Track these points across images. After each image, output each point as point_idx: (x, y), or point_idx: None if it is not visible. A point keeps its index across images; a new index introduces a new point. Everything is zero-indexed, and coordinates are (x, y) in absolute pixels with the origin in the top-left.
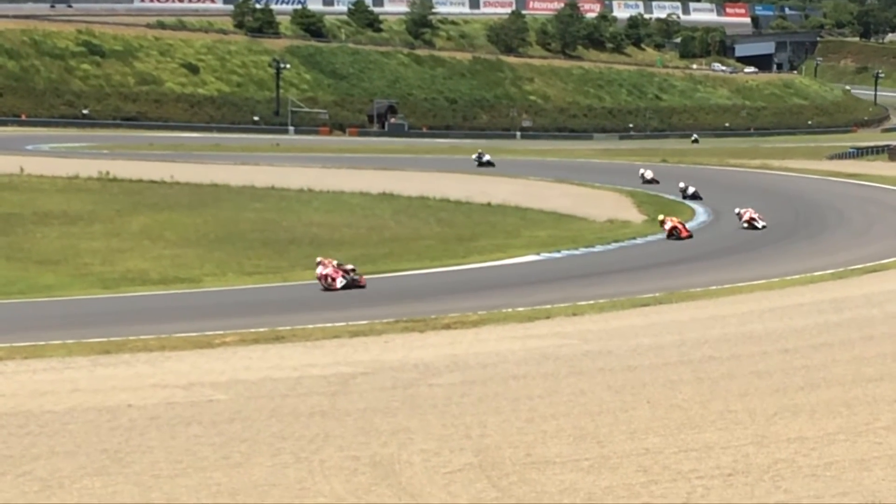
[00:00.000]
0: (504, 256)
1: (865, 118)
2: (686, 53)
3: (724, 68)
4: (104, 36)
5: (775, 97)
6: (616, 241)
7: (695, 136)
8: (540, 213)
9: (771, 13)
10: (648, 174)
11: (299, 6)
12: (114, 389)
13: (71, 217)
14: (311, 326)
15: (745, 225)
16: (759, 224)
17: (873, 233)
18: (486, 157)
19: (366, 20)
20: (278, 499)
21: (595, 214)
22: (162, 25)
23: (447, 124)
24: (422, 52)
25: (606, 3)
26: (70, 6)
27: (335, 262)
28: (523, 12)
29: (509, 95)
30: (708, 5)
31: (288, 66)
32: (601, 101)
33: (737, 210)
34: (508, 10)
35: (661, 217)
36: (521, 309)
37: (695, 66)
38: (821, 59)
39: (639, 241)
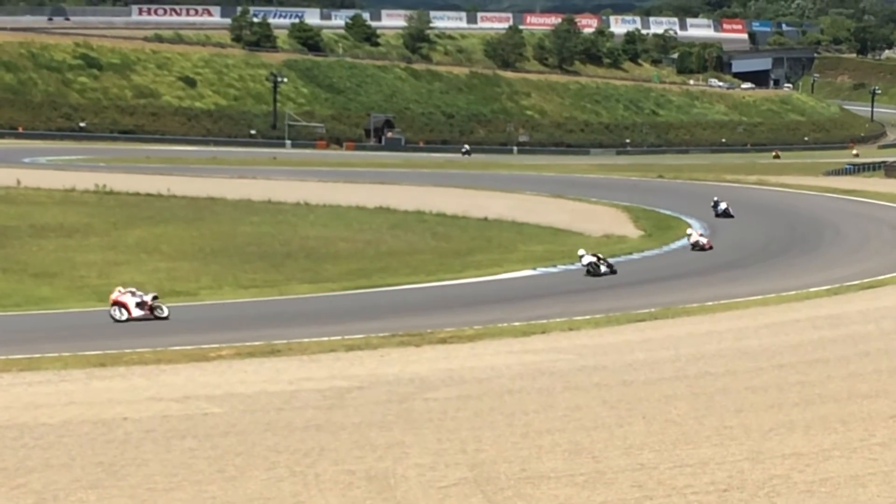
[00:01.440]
0: (500, 271)
1: (862, 134)
2: (683, 69)
3: (720, 84)
4: (102, 49)
5: (772, 113)
6: (612, 256)
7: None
8: (536, 228)
9: (768, 29)
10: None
11: (297, 20)
12: (109, 402)
13: (67, 230)
14: (306, 340)
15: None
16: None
17: (869, 249)
18: (724, 206)
19: (363, 34)
20: None
21: (591, 229)
22: (159, 39)
23: (444, 139)
24: (419, 66)
25: (604, 18)
26: (68, 19)
27: (133, 290)
28: (520, 27)
29: (506, 110)
30: (705, 21)
31: (285, 79)
32: (598, 117)
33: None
34: (506, 25)
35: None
36: (516, 324)
37: (692, 82)
38: (818, 75)
39: (635, 256)
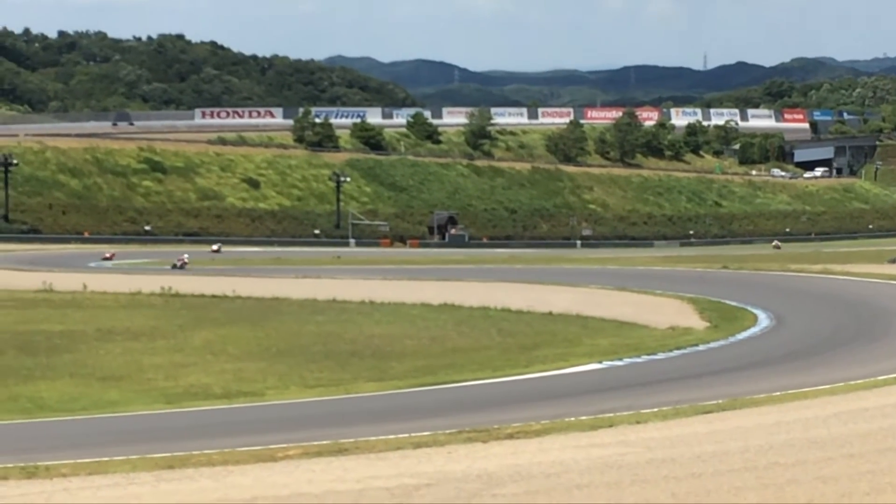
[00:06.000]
0: (566, 365)
1: None
2: (745, 159)
3: (783, 174)
4: (165, 153)
5: (835, 202)
6: (678, 347)
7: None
8: (601, 322)
9: (829, 118)
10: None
11: (358, 119)
12: None
13: (134, 333)
14: (373, 438)
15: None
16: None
17: None
18: None
19: (425, 132)
20: None
21: (657, 321)
22: (223, 141)
23: (507, 234)
24: (481, 162)
25: (664, 111)
26: (132, 124)
27: None
28: (581, 122)
29: (569, 204)
30: (766, 111)
31: (348, 178)
32: (661, 209)
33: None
34: (567, 120)
35: None
36: (584, 418)
37: (754, 172)
38: (881, 162)
39: (701, 347)
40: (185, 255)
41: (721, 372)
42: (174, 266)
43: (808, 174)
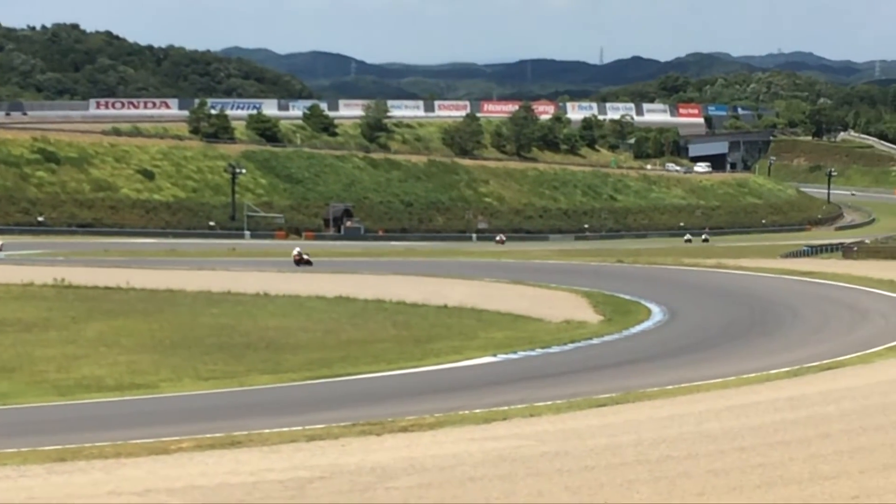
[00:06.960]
0: (461, 358)
1: (819, 216)
2: (640, 154)
3: (678, 168)
4: (59, 143)
5: (729, 196)
6: (573, 341)
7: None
8: (496, 315)
9: (724, 113)
10: None
11: (254, 111)
12: (69, 497)
13: (26, 324)
14: (267, 431)
15: None
16: None
17: (828, 330)
18: None
19: (321, 125)
20: None
21: (551, 315)
22: (117, 132)
23: (403, 227)
24: (377, 155)
25: (560, 105)
26: (25, 114)
27: None
28: (478, 115)
29: (465, 198)
30: (661, 106)
31: (243, 170)
32: (556, 202)
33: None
34: (463, 113)
35: None
36: (478, 411)
37: (649, 167)
38: (774, 158)
39: (595, 341)
40: (298, 250)
41: (615, 365)
42: (297, 262)
43: (696, 168)
